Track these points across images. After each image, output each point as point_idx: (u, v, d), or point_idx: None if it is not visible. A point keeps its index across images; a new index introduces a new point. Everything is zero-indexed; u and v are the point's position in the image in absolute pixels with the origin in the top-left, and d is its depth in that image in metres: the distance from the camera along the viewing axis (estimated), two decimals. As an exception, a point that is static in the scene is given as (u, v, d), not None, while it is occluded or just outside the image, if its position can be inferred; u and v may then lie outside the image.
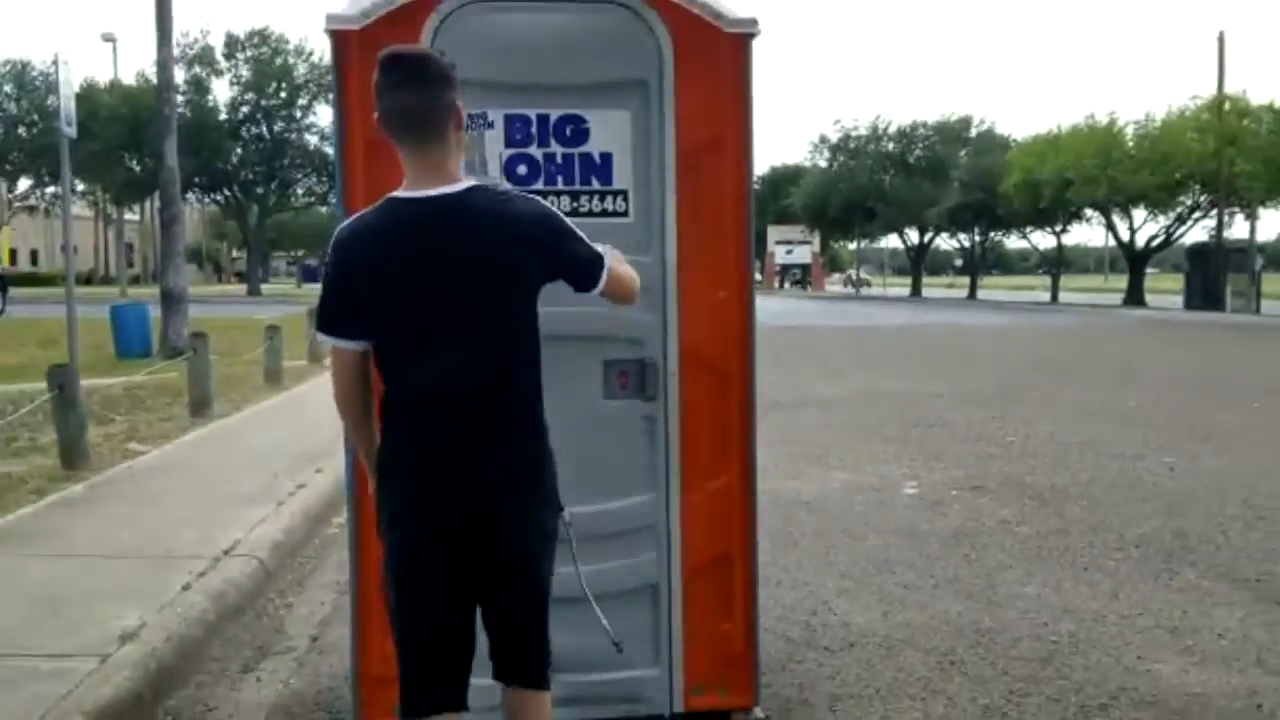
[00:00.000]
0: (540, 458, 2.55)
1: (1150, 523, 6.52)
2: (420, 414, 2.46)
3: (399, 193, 2.46)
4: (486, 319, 2.45)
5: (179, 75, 37.12)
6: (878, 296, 60.10)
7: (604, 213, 3.39)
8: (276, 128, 50.74)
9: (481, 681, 3.23)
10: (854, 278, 74.49)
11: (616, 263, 2.61)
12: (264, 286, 53.87)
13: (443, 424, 2.44)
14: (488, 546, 2.49)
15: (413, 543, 2.48)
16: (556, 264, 2.52)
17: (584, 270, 2.55)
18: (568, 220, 2.56)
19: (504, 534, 2.49)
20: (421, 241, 2.41)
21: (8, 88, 48.87)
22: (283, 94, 49.79)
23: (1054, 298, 49.49)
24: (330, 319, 2.49)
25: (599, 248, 2.57)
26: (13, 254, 59.85)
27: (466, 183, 2.48)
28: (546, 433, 2.57)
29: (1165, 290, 47.23)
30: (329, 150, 41.74)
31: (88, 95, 42.56)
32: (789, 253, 68.25)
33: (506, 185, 3.08)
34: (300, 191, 54.26)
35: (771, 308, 34.55)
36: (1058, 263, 55.30)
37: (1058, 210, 45.45)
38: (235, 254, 77.49)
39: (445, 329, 2.42)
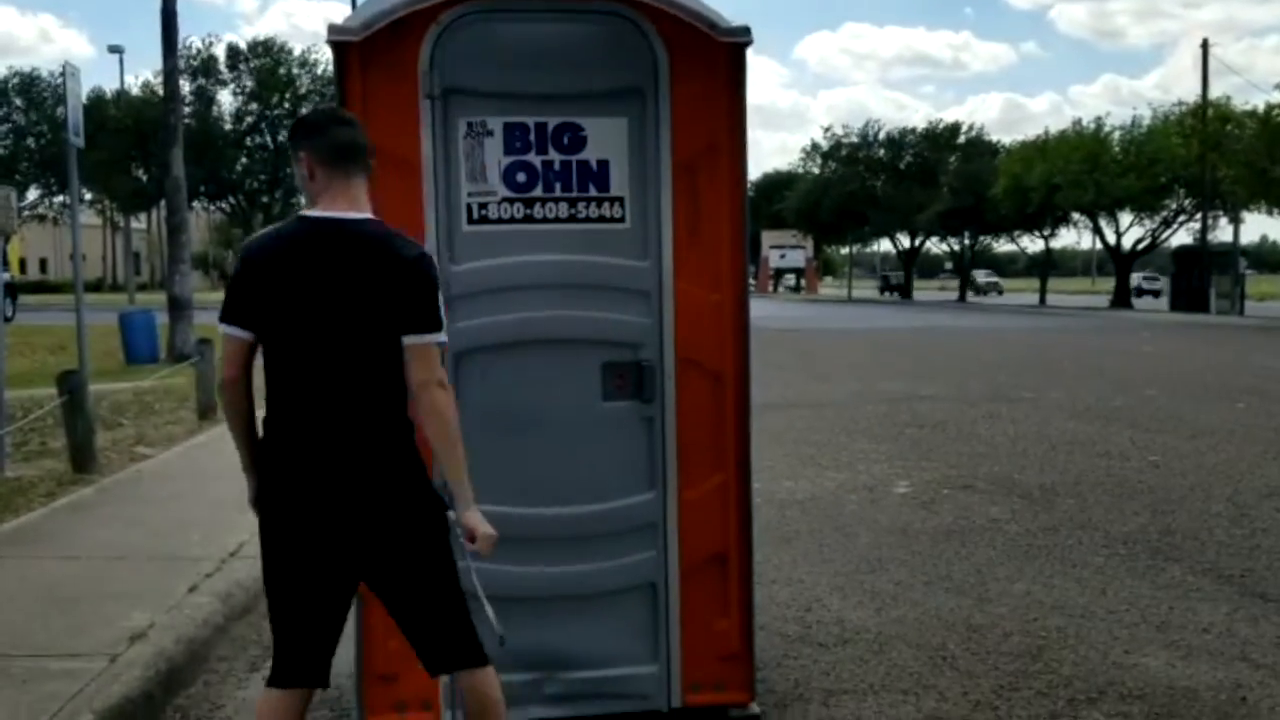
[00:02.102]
0: (405, 457, 2.68)
1: (1137, 520, 6.61)
2: (293, 414, 2.66)
3: (310, 212, 2.73)
4: (356, 330, 2.63)
5: (184, 86, 37.04)
6: (867, 300, 60.06)
7: (601, 219, 3.44)
8: (281, 137, 50.77)
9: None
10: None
11: (451, 430, 2.66)
12: (268, 293, 53.95)
13: (313, 425, 2.64)
14: (366, 542, 2.65)
15: (286, 536, 2.66)
16: (408, 304, 2.63)
17: (420, 323, 2.63)
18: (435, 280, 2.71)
19: (381, 531, 2.65)
20: (319, 255, 2.65)
21: (17, 99, 48.79)
22: (286, 104, 49.74)
23: (1042, 300, 49.71)
24: (226, 310, 2.72)
25: (443, 334, 2.69)
26: (22, 262, 59.59)
27: (368, 214, 2.71)
28: (413, 432, 2.69)
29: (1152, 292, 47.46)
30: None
31: (94, 106, 42.53)
32: (783, 257, 68.28)
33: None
34: (304, 199, 54.26)
35: (768, 311, 34.65)
36: (1046, 266, 55.52)
37: (1045, 214, 45.66)
38: (240, 261, 77.33)
39: (322, 335, 2.63)
